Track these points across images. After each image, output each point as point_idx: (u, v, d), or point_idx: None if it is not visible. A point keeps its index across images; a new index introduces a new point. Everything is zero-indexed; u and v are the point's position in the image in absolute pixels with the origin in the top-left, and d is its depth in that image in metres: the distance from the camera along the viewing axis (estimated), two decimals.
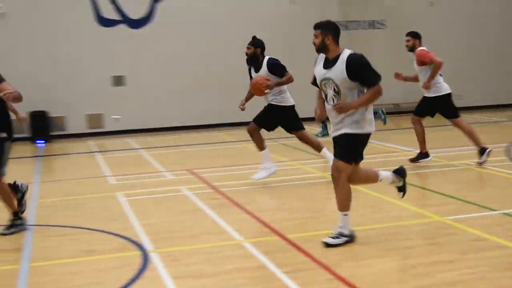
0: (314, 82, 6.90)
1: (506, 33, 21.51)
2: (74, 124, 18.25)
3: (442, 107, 10.73)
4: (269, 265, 5.88)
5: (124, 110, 18.47)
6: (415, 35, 10.77)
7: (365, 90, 6.33)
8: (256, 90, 9.44)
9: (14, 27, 17.70)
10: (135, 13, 18.67)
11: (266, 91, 9.46)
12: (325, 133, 14.94)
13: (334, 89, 6.33)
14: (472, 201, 8.03)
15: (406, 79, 10.99)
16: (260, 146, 9.92)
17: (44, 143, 17.23)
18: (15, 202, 7.70)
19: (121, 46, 18.44)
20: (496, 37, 21.36)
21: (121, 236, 7.14)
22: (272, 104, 9.83)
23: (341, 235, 6.41)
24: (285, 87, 9.84)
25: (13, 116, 7.78)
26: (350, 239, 6.44)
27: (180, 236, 7.07)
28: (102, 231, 7.42)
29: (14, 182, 7.98)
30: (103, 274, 5.92)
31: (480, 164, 10.45)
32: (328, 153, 9.79)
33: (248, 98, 10.17)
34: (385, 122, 16.74)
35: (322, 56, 6.47)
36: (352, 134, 6.33)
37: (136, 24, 18.69)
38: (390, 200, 8.27)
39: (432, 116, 10.96)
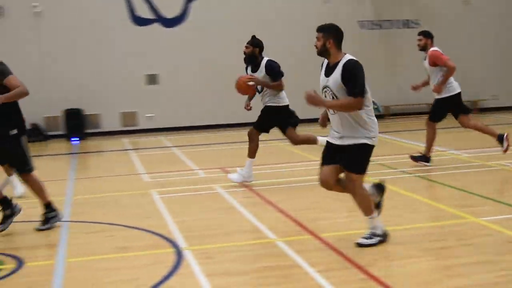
0: None
1: None
2: (108, 122, 18.43)
3: (453, 107, 10.66)
4: (302, 264, 5.88)
5: (157, 109, 18.60)
6: (427, 34, 10.75)
7: (367, 99, 6.14)
8: (241, 88, 9.42)
9: (50, 26, 17.92)
10: (169, 12, 18.79)
11: (250, 83, 9.41)
12: None
13: (333, 98, 6.18)
14: (508, 202, 7.94)
15: (419, 87, 10.97)
16: (252, 153, 9.84)
17: (79, 140, 17.42)
18: (47, 194, 7.73)
19: (155, 45, 18.57)
20: None
21: (155, 233, 7.19)
22: (268, 105, 9.79)
23: (373, 235, 6.39)
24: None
25: None
26: (383, 238, 6.42)
27: (213, 234, 7.09)
28: (137, 228, 7.48)
29: (11, 199, 7.74)
30: (137, 271, 5.96)
31: (505, 151, 10.46)
32: (323, 139, 9.83)
33: (251, 97, 10.18)
34: (379, 111, 16.35)
35: (326, 61, 6.33)
36: (364, 145, 6.19)
37: (170, 23, 18.81)
38: (425, 200, 8.21)
39: (444, 117, 10.86)
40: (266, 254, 6.26)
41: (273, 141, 15.04)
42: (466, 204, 8.12)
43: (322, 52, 6.24)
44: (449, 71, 10.44)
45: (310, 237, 6.78)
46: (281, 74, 9.77)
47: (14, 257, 6.50)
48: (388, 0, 20.09)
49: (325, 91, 6.24)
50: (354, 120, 6.15)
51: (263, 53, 10.00)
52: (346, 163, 6.23)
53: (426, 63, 10.67)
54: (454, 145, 12.69)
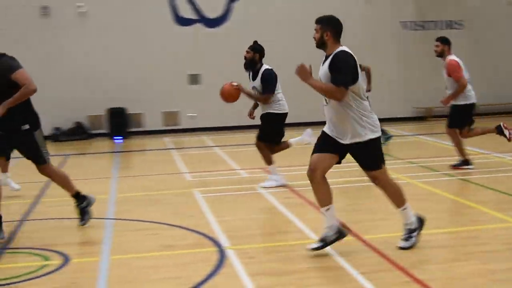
0: None
1: None
2: (151, 121, 18.60)
3: (467, 115, 10.64)
4: (345, 266, 5.88)
5: (200, 108, 18.71)
6: (444, 41, 10.69)
7: (358, 93, 6.01)
8: (225, 96, 9.41)
9: (95, 26, 18.16)
10: (212, 13, 18.88)
11: (234, 83, 9.47)
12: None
13: None
14: None
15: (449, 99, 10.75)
16: (268, 161, 9.84)
17: (122, 139, 17.61)
18: (72, 185, 7.78)
19: (197, 45, 18.68)
20: None
21: (198, 232, 7.25)
22: (268, 112, 9.74)
23: (410, 232, 6.32)
24: (278, 96, 9.72)
25: None
26: (420, 227, 6.34)
27: (255, 234, 7.13)
28: (180, 226, 7.55)
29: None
30: (181, 269, 6.02)
31: (510, 139, 10.45)
32: (294, 140, 10.12)
33: (254, 106, 10.18)
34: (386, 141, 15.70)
35: None
36: (370, 140, 6.05)
37: (212, 23, 18.90)
38: (469, 203, 8.14)
39: (466, 123, 10.71)
40: (309, 255, 6.26)
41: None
42: (510, 207, 8.02)
43: (320, 44, 6.15)
44: (459, 88, 10.39)
45: (353, 238, 6.77)
46: (271, 89, 9.60)
47: (59, 253, 6.61)
48: (431, 1, 19.92)
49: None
50: (346, 113, 5.98)
51: (263, 60, 9.96)
52: (364, 165, 6.21)
53: (444, 71, 10.62)
54: (498, 148, 12.53)
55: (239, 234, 7.10)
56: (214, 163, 12.60)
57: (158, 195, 9.57)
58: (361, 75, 6.18)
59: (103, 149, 15.81)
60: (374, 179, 6.25)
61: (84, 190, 10.01)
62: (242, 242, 6.79)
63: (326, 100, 6.09)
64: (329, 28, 6.14)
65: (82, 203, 7.75)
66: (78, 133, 17.98)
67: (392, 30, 19.66)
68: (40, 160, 7.46)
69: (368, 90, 14.03)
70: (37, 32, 17.95)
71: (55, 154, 15.31)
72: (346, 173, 10.60)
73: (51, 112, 17.92)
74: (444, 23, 20.04)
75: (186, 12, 18.73)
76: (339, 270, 5.82)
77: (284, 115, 9.85)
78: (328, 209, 6.20)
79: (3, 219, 7.32)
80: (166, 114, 18.73)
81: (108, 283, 5.72)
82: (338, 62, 5.92)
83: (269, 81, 9.63)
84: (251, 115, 10.17)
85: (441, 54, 10.66)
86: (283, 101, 9.84)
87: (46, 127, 17.68)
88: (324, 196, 6.18)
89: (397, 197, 6.29)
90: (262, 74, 9.65)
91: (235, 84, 9.47)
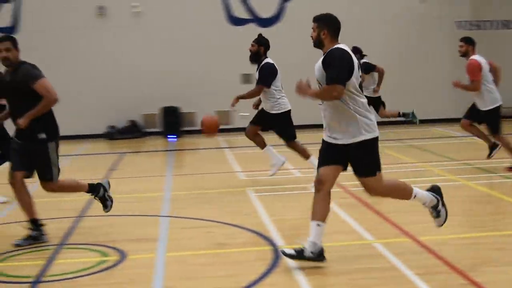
0: None
1: None
2: None
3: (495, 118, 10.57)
4: (401, 267, 5.84)
5: (252, 108, 18.71)
6: (468, 41, 10.65)
7: (351, 90, 5.77)
8: (207, 130, 9.70)
9: (150, 26, 18.37)
10: (265, 12, 18.92)
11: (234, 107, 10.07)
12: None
13: (319, 87, 5.92)
14: None
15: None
16: (261, 145, 10.24)
17: (175, 137, 17.77)
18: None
19: (250, 44, 18.70)
20: None
21: (252, 231, 7.28)
22: (270, 113, 10.03)
23: (435, 208, 6.24)
24: (274, 92, 9.87)
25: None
26: (439, 196, 6.26)
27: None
28: (234, 225, 7.59)
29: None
30: (235, 267, 6.06)
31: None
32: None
33: (257, 104, 10.42)
34: (417, 123, 15.64)
35: None
36: (365, 142, 5.78)
37: (265, 23, 18.93)
38: None
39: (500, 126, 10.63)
40: (364, 255, 6.25)
41: None
42: None
43: (317, 43, 5.99)
44: (471, 87, 10.43)
45: (408, 239, 6.72)
46: (264, 80, 9.76)
47: (116, 249, 6.72)
48: (488, 0, 19.60)
49: (316, 81, 6.00)
50: (340, 112, 5.79)
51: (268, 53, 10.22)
52: (357, 169, 5.91)
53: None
54: None
55: (293, 233, 7.12)
56: (267, 162, 12.58)
57: (211, 194, 9.64)
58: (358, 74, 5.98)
59: (157, 147, 15.98)
60: (367, 189, 5.95)
61: (138, 188, 10.21)
62: (296, 241, 6.79)
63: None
64: (326, 26, 5.99)
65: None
66: (132, 131, 18.22)
67: (446, 30, 19.39)
68: (46, 176, 7.14)
69: (376, 91, 13.91)
70: (94, 32, 18.25)
71: (109, 152, 15.58)
72: (399, 174, 10.54)
73: (106, 111, 18.24)
74: (500, 23, 19.70)
75: (239, 11, 18.81)
76: (394, 271, 5.78)
77: (284, 113, 9.98)
78: (319, 225, 5.89)
79: (56, 216, 7.43)
80: (219, 113, 18.81)
81: (165, 279, 5.79)
82: (331, 59, 5.73)
83: (265, 71, 9.86)
84: (254, 106, 10.44)
85: (465, 54, 10.62)
86: (283, 99, 9.95)
87: (101, 126, 18.22)
88: (321, 211, 5.88)
89: (401, 194, 6.14)
90: (261, 66, 9.77)
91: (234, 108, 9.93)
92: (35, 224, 7.16)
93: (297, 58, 18.73)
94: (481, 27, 19.50)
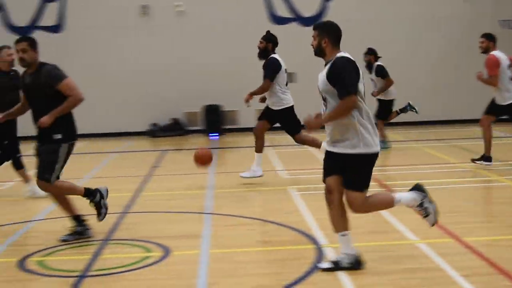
0: None
1: None
2: (245, 118, 18.75)
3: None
4: (445, 268, 5.79)
5: (295, 106, 18.71)
6: (489, 37, 10.66)
7: (358, 99, 5.61)
8: (199, 160, 9.59)
9: (192, 25, 18.49)
10: (307, 11, 18.90)
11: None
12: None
13: (322, 97, 5.78)
14: None
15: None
16: (259, 148, 10.29)
17: (217, 135, 17.86)
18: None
19: (292, 43, 18.70)
20: None
21: (295, 229, 7.29)
22: (272, 109, 10.18)
23: (420, 206, 5.88)
24: (277, 88, 10.00)
25: None
26: (423, 195, 5.92)
27: (353, 233, 7.03)
28: (276, 223, 7.61)
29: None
30: (279, 265, 6.08)
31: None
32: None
33: (263, 99, 10.45)
34: (417, 112, 15.24)
35: None
36: (357, 156, 5.61)
37: (307, 21, 18.89)
38: None
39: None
40: (408, 255, 6.21)
41: (408, 141, 14.85)
42: None
43: (318, 52, 5.83)
44: (489, 82, 10.51)
45: (452, 240, 6.66)
46: (267, 73, 9.89)
47: (160, 245, 6.79)
48: None
49: (319, 90, 5.88)
50: (344, 121, 5.63)
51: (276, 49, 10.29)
52: (345, 180, 5.71)
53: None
54: None
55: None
56: (309, 161, 12.62)
57: (254, 192, 9.68)
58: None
59: (199, 145, 16.02)
60: (349, 203, 5.73)
61: (181, 185, 10.29)
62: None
63: (324, 104, 5.81)
64: (326, 34, 5.78)
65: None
66: (174, 129, 18.37)
67: (490, 29, 19.09)
68: (45, 176, 6.98)
69: (374, 95, 13.66)
70: (137, 30, 18.46)
71: (152, 149, 15.72)
72: (443, 174, 10.46)
73: (148, 108, 18.42)
74: None
75: (282, 10, 18.82)
76: (438, 271, 5.73)
77: (285, 109, 10.12)
78: (344, 235, 5.81)
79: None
80: (261, 112, 18.83)
81: (209, 276, 5.83)
82: (338, 71, 5.58)
83: (268, 66, 9.97)
84: (260, 100, 10.49)
85: (486, 50, 10.68)
86: (285, 95, 10.13)
87: (144, 123, 18.37)
88: (341, 223, 5.80)
89: (383, 206, 5.96)
90: (266, 61, 9.85)
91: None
92: (78, 220, 7.26)
93: None
94: None
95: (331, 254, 6.23)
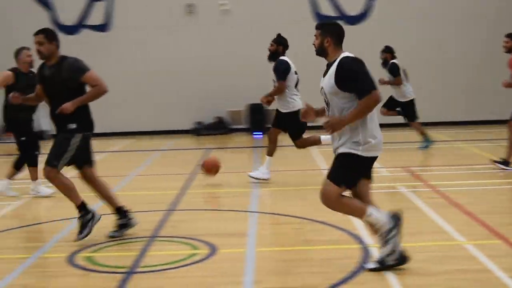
0: None
1: None
2: None
3: None
4: (494, 269, 5.72)
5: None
6: None
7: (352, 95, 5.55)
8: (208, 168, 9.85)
9: (237, 24, 18.57)
10: (352, 10, 18.83)
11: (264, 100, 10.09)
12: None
13: (325, 100, 5.72)
14: None
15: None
16: (270, 151, 10.38)
17: (261, 134, 17.91)
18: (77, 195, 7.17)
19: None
20: None
21: (340, 228, 7.27)
22: (277, 110, 10.24)
23: (386, 237, 5.66)
24: (285, 92, 10.03)
25: None
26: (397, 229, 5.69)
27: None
28: (322, 222, 7.59)
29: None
30: (325, 264, 6.07)
31: None
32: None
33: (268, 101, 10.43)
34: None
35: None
36: (348, 154, 5.58)
37: (353, 20, 18.83)
38: None
39: None
40: (455, 256, 6.15)
41: (455, 141, 14.70)
42: None
43: (320, 52, 5.79)
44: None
45: (500, 241, 6.58)
46: (279, 75, 9.88)
47: (207, 243, 6.84)
48: None
49: (322, 92, 5.81)
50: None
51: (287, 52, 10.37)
52: (329, 171, 5.75)
53: None
54: None
55: None
56: None
57: (298, 190, 9.68)
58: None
59: (243, 144, 16.13)
60: (323, 193, 5.72)
61: (226, 183, 10.35)
62: None
63: (326, 104, 5.76)
64: (329, 33, 5.72)
65: (86, 215, 7.12)
66: (218, 127, 18.47)
67: None
68: (53, 162, 6.88)
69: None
70: (182, 29, 18.61)
71: (196, 147, 15.82)
72: (490, 175, 10.34)
73: (193, 107, 18.56)
74: None
75: (326, 9, 18.78)
76: (486, 273, 5.67)
77: (291, 113, 10.10)
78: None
79: (147, 209, 7.55)
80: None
81: (255, 274, 5.85)
82: (348, 74, 5.52)
83: (279, 67, 9.99)
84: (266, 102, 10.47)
85: (510, 50, 10.63)
86: (292, 98, 10.17)
87: (188, 121, 18.50)
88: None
89: (354, 212, 5.78)
90: (275, 63, 9.84)
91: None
92: (120, 212, 7.30)
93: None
94: None
95: (376, 254, 6.21)
